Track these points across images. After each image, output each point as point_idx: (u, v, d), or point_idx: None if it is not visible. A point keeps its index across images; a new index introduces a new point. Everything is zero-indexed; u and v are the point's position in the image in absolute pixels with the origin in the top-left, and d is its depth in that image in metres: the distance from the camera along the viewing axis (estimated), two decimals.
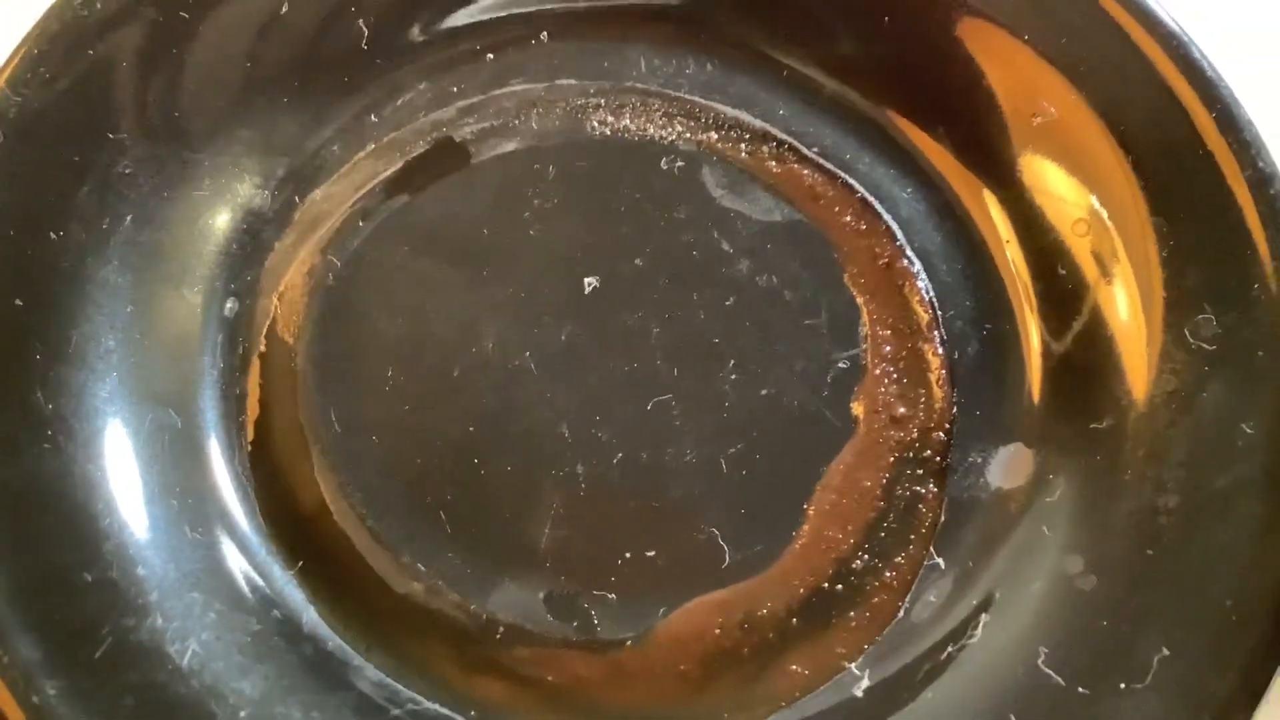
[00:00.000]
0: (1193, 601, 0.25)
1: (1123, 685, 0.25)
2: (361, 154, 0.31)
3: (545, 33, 0.32)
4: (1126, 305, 0.28)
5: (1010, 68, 0.29)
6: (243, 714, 0.24)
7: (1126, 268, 0.29)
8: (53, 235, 0.27)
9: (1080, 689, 0.25)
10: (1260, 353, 0.26)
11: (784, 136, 0.31)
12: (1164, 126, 0.29)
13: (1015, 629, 0.26)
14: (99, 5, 0.29)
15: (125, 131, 0.29)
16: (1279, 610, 0.25)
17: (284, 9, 0.30)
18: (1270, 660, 0.24)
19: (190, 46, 0.30)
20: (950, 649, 0.27)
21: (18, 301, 0.27)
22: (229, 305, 0.29)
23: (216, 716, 0.24)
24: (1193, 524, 0.26)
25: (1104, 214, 0.29)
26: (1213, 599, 0.25)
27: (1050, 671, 0.25)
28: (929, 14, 0.29)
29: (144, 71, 0.29)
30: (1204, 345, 0.27)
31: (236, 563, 0.27)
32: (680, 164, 0.31)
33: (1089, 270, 0.29)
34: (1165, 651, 0.25)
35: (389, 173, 0.31)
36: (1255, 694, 0.24)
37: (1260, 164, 0.28)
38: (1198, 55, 0.28)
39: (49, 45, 0.28)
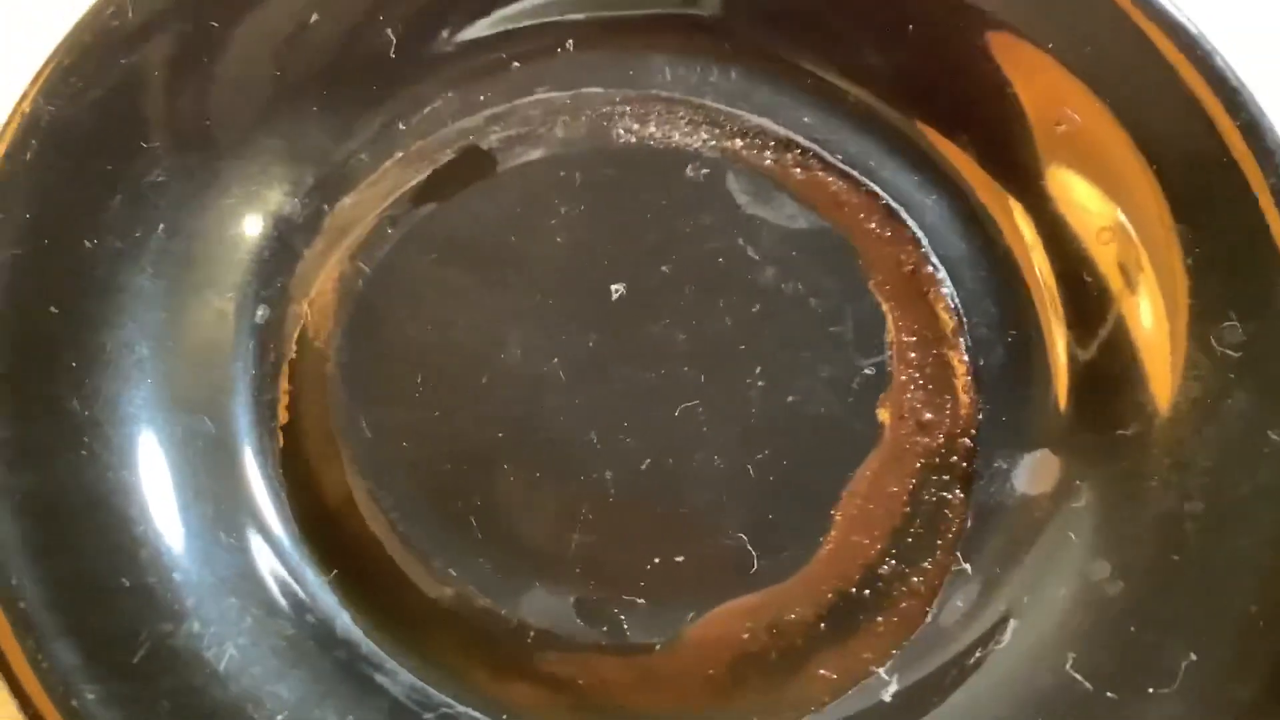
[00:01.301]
0: (1218, 607, 0.25)
1: (1150, 690, 0.25)
2: (389, 162, 0.31)
3: (570, 41, 0.32)
4: (1151, 313, 0.29)
5: (1034, 77, 0.30)
6: (279, 718, 0.25)
7: (1151, 275, 0.29)
8: (86, 244, 0.28)
9: (1108, 694, 0.25)
10: None
11: (808, 144, 0.31)
12: (1187, 135, 0.29)
13: (1042, 634, 0.26)
14: (130, 16, 0.29)
15: (157, 141, 0.29)
16: None
17: (313, 18, 0.30)
18: None
19: (220, 56, 0.30)
20: (978, 654, 0.27)
21: (53, 309, 0.27)
22: (260, 312, 0.30)
23: (254, 718, 0.24)
24: (1218, 530, 0.26)
25: (1128, 222, 0.29)
26: (1238, 605, 0.25)
27: (1078, 676, 0.25)
28: (952, 24, 0.30)
29: (174, 81, 0.29)
30: (1229, 352, 0.27)
31: (270, 568, 0.27)
32: (705, 171, 0.31)
33: (1114, 278, 0.29)
34: (1192, 657, 0.25)
35: (417, 181, 0.31)
36: None
37: None
38: (1221, 64, 0.29)
39: (80, 56, 0.29)
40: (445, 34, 0.32)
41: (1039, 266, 0.30)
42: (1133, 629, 0.26)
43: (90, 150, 0.28)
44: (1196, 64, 0.28)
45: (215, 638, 0.25)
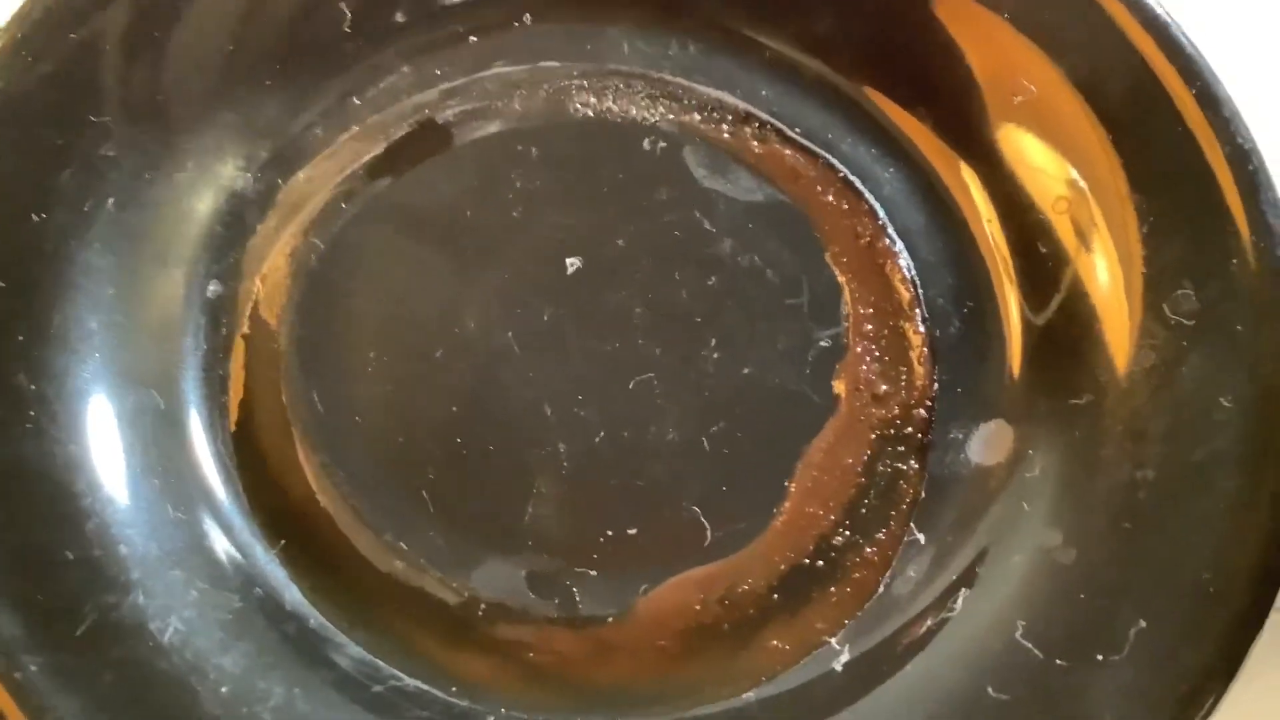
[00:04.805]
0: (1170, 574, 0.25)
1: (1099, 657, 0.25)
2: (344, 136, 0.31)
3: (528, 15, 0.32)
4: (1107, 281, 0.29)
5: (990, 44, 0.30)
6: (224, 690, 0.25)
7: (1107, 243, 0.29)
8: (35, 218, 0.28)
9: (1058, 661, 0.25)
10: (1239, 327, 0.27)
11: (766, 117, 0.31)
12: (1143, 104, 0.29)
13: (994, 602, 0.27)
14: None
15: (108, 115, 0.29)
16: (1255, 583, 0.25)
17: None
18: (1246, 633, 0.25)
19: (173, 30, 0.30)
20: (930, 623, 0.27)
21: (0, 284, 0.27)
22: (211, 287, 0.29)
23: (198, 693, 0.24)
24: (1170, 498, 0.26)
25: (1085, 190, 0.29)
26: (1189, 572, 0.25)
27: (1028, 644, 0.26)
28: None
29: (127, 55, 0.29)
30: (1183, 320, 0.27)
31: (219, 541, 0.27)
32: (663, 145, 0.31)
33: (1069, 246, 0.29)
34: (1142, 624, 0.25)
35: (372, 155, 0.31)
36: (1231, 666, 0.24)
37: (1239, 140, 0.28)
38: (1176, 31, 0.29)
39: (31, 29, 0.29)
40: (401, 8, 0.31)
41: (994, 237, 0.30)
42: (1083, 597, 0.26)
43: (40, 123, 0.28)
44: (1152, 31, 0.28)
45: (160, 610, 0.25)
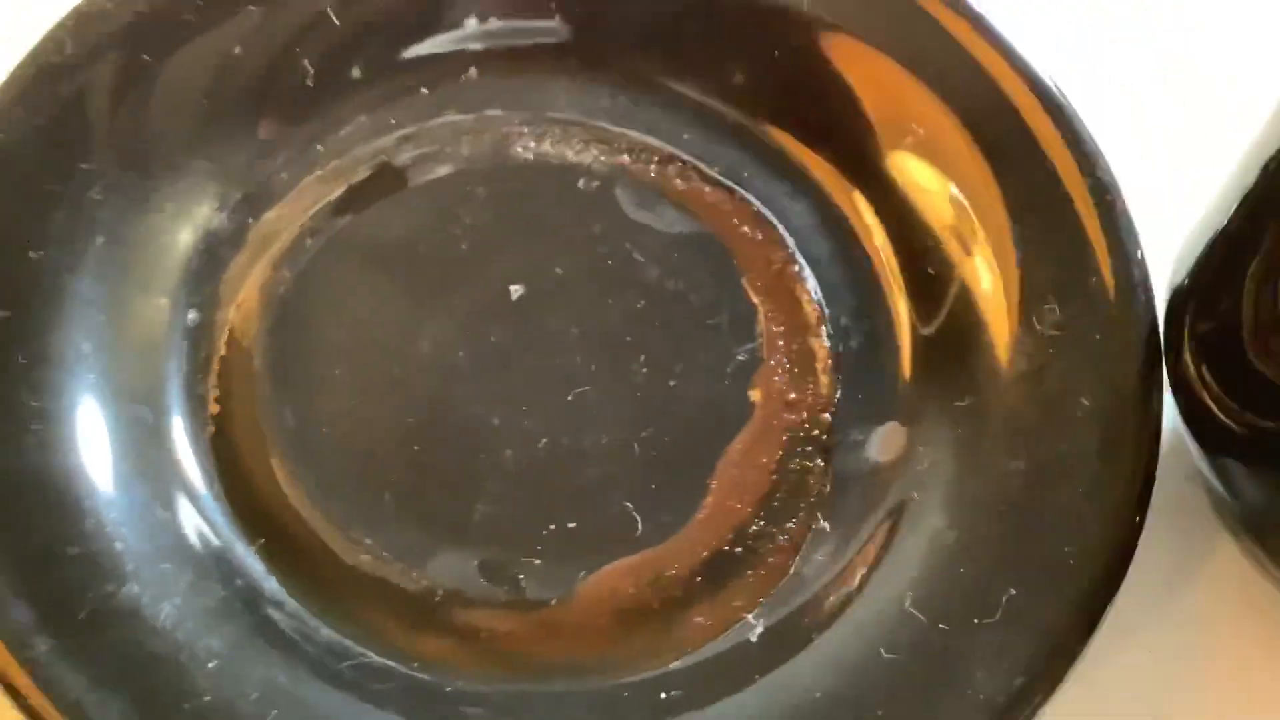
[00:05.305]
0: (1037, 550, 0.29)
1: (976, 621, 0.28)
2: (309, 179, 0.34)
3: (474, 69, 0.36)
4: (987, 296, 0.33)
5: (880, 84, 0.34)
6: (211, 666, 0.28)
7: (989, 263, 0.33)
8: (32, 255, 0.31)
9: (940, 625, 0.29)
10: (1096, 336, 0.31)
11: (688, 158, 0.35)
12: (1017, 142, 0.33)
13: (887, 579, 0.30)
14: (69, 50, 0.32)
15: (95, 163, 0.32)
16: (1109, 556, 0.29)
17: (236, 50, 0.34)
18: (1103, 597, 0.28)
19: (152, 86, 0.33)
20: (833, 599, 0.30)
21: (4, 313, 0.30)
22: (190, 316, 0.32)
23: (189, 669, 0.27)
24: (1039, 485, 0.30)
25: (970, 216, 0.33)
26: (1054, 548, 0.29)
27: (915, 612, 0.29)
28: (798, 34, 0.34)
29: (112, 109, 0.33)
30: (1049, 331, 0.31)
31: (202, 538, 0.30)
32: (596, 184, 0.35)
33: (955, 266, 0.33)
34: (1012, 592, 0.28)
35: (334, 195, 0.34)
36: (1089, 627, 0.28)
37: (1099, 174, 0.32)
38: (1048, 81, 0.33)
39: (24, 89, 0.32)
40: (358, 66, 0.35)
41: (889, 259, 0.34)
42: (963, 570, 0.29)
43: (35, 172, 0.31)
44: (1018, 73, 0.33)
45: (153, 598, 0.28)
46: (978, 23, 0.33)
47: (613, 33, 0.35)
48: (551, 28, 0.35)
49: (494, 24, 0.35)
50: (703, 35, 0.35)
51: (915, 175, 0.34)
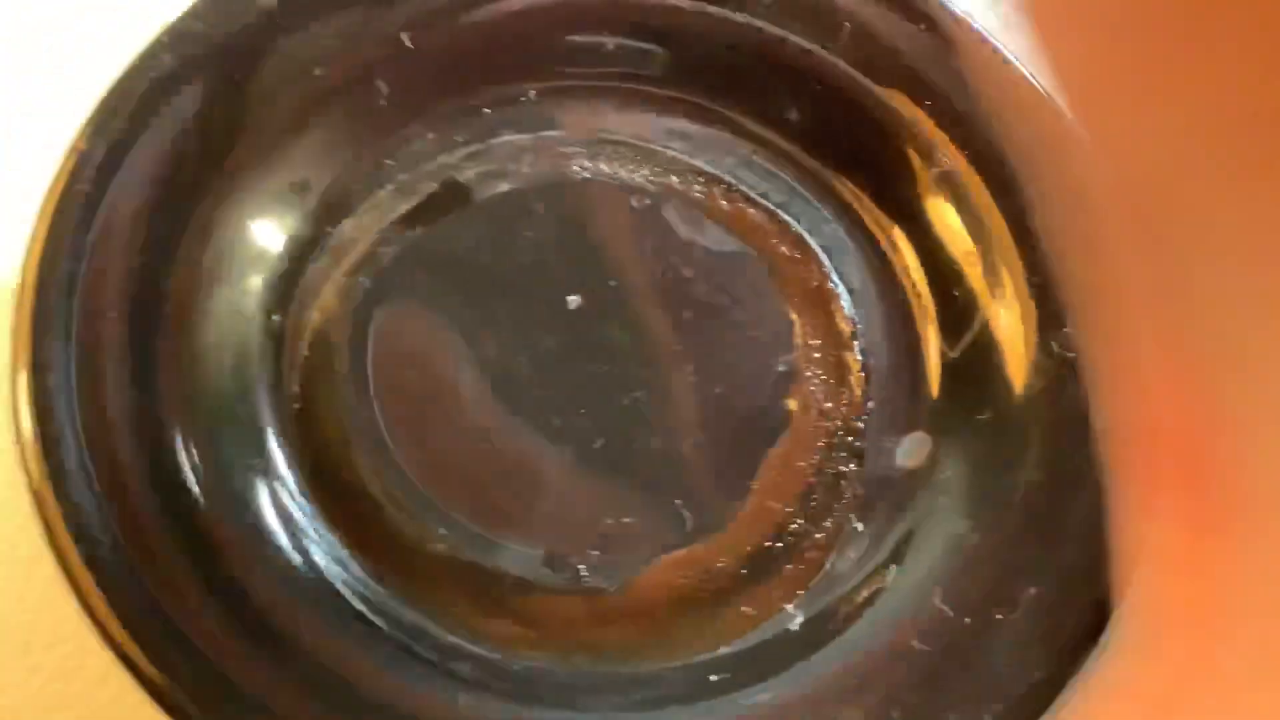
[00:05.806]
0: (1053, 552, 0.32)
1: (998, 616, 0.32)
2: (382, 192, 0.37)
3: (532, 91, 0.38)
4: (1008, 323, 0.35)
5: (921, 131, 0.36)
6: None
7: (1008, 292, 0.36)
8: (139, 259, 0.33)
9: (965, 619, 0.32)
10: None
11: (733, 181, 0.38)
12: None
13: (916, 576, 0.33)
14: (166, 66, 0.35)
15: (189, 175, 0.34)
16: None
17: (317, 71, 0.36)
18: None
19: (242, 107, 0.35)
20: (866, 593, 0.33)
21: (111, 315, 0.32)
22: (275, 318, 0.35)
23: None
24: (1054, 495, 0.33)
25: (989, 250, 0.36)
26: (1068, 550, 0.32)
27: (944, 606, 0.32)
28: (852, 89, 0.36)
29: (203, 127, 0.35)
30: (1065, 354, 0.34)
31: (287, 527, 0.33)
32: (647, 203, 0.37)
33: (979, 294, 0.36)
34: (1032, 590, 0.32)
35: (405, 209, 0.37)
36: (1101, 623, 0.31)
37: None
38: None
39: (124, 102, 0.34)
40: (429, 86, 0.37)
41: (918, 283, 0.37)
42: (986, 569, 0.32)
43: (133, 183, 0.34)
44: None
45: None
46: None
47: (681, 68, 0.38)
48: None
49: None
50: (764, 76, 0.37)
51: (943, 206, 0.37)
